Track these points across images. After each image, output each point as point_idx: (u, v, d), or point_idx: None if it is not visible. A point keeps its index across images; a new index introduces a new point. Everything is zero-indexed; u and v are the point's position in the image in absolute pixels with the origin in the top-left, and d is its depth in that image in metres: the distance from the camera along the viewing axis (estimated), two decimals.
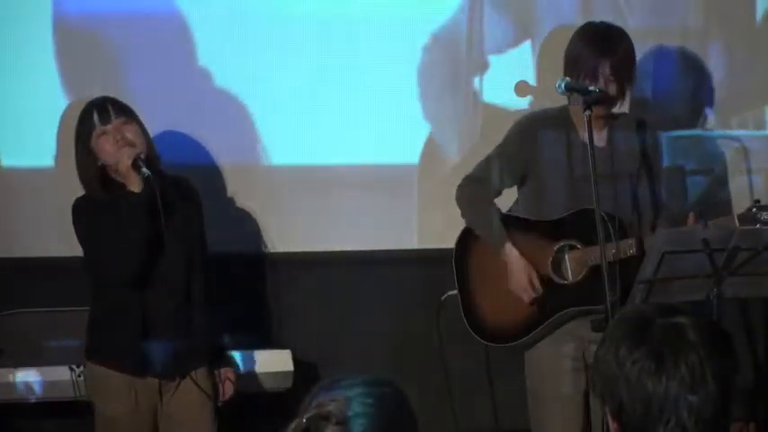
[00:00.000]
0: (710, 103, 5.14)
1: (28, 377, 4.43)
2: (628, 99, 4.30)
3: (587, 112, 3.94)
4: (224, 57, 4.78)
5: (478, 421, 4.91)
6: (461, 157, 4.84)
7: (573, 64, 4.14)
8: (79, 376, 4.35)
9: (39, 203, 4.66)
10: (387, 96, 4.87)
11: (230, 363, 4.24)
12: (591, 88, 4.00)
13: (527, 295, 4.14)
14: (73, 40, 4.68)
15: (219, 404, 4.13)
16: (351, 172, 4.90)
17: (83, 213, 3.99)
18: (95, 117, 3.94)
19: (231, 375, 4.18)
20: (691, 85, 5.14)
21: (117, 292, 3.97)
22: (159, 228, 3.89)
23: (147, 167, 3.90)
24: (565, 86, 4.00)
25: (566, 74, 4.14)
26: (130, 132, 3.94)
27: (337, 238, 4.90)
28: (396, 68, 4.87)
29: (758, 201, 4.08)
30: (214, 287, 4.15)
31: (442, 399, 4.73)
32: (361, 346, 4.86)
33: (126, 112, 3.99)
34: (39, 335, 4.50)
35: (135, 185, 3.89)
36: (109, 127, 3.93)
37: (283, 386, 4.57)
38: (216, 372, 4.15)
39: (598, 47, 4.12)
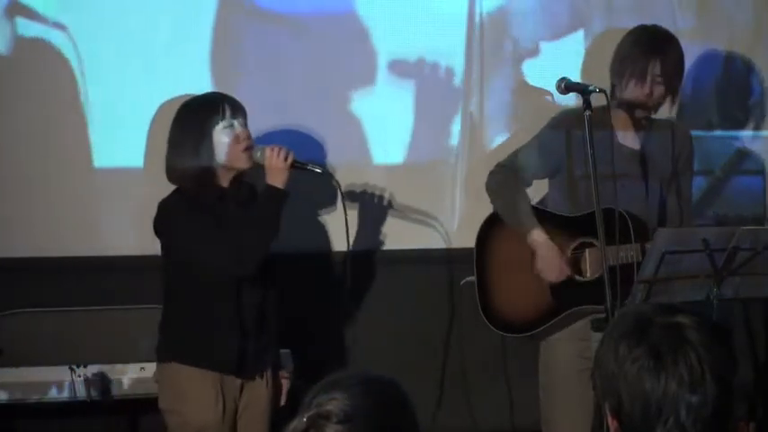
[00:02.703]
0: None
1: (28, 377, 4.43)
2: (676, 104, 4.31)
3: (587, 112, 3.94)
4: (228, 54, 4.78)
5: (496, 419, 4.92)
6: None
7: (620, 64, 4.17)
8: (79, 376, 4.35)
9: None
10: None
11: (284, 364, 4.21)
12: (591, 87, 4.00)
13: (557, 275, 4.14)
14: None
15: (282, 404, 4.11)
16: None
17: (182, 212, 3.90)
18: (228, 107, 3.92)
19: (287, 375, 4.16)
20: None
21: (215, 293, 3.90)
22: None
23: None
24: (565, 86, 4.00)
25: (612, 74, 4.16)
26: (250, 136, 3.97)
27: (344, 238, 4.90)
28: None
29: None
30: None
31: (458, 396, 4.74)
32: (364, 346, 4.87)
33: (246, 116, 3.99)
34: (39, 335, 4.50)
35: (280, 181, 3.91)
36: (236, 123, 3.92)
37: None
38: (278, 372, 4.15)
39: (648, 47, 4.14)
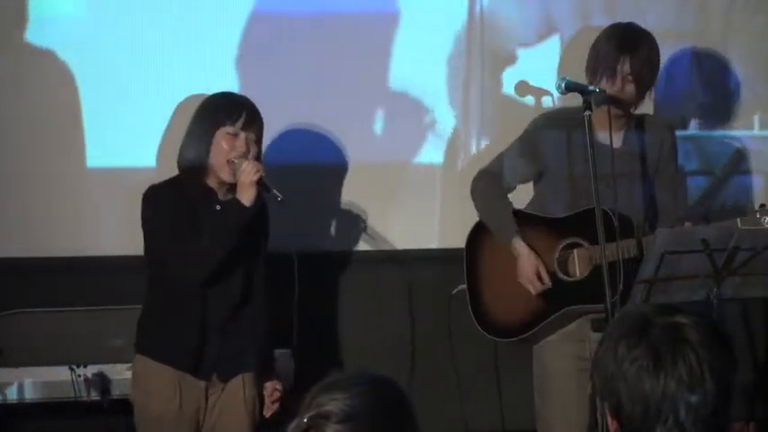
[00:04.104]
0: (725, 105, 5.14)
1: (28, 377, 4.43)
2: (650, 101, 4.31)
3: (587, 112, 3.94)
4: (233, 56, 4.78)
5: (487, 420, 4.91)
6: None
7: (593, 63, 4.17)
8: (79, 376, 4.35)
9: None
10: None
11: (278, 375, 4.19)
12: (591, 88, 4.00)
13: (534, 287, 4.15)
14: None
15: (267, 416, 4.10)
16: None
17: (161, 203, 3.96)
18: (243, 117, 3.92)
19: (279, 387, 4.13)
20: (705, 87, 5.13)
21: (180, 291, 3.95)
22: (248, 241, 3.95)
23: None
24: (565, 86, 4.00)
25: (587, 73, 4.16)
26: (253, 151, 3.95)
27: (343, 238, 4.90)
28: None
29: (763, 205, 4.08)
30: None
31: (451, 397, 4.74)
32: (364, 346, 4.86)
33: (261, 132, 3.99)
34: (39, 335, 4.50)
35: (247, 198, 3.88)
36: (243, 135, 3.92)
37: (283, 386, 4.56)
38: (266, 384, 4.12)
39: (618, 44, 4.14)
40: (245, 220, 3.89)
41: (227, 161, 3.90)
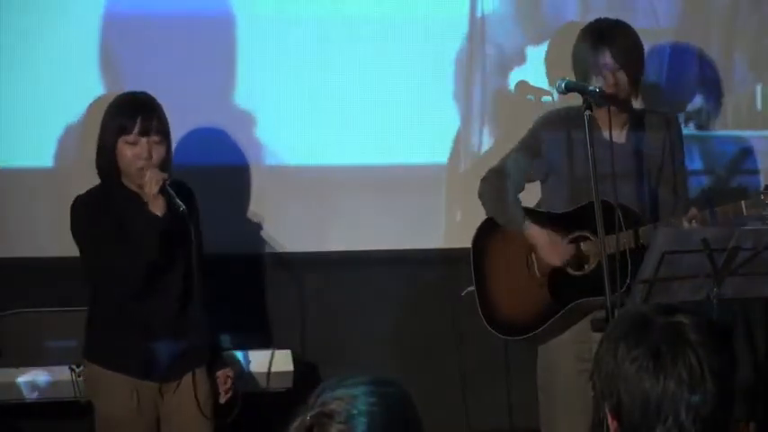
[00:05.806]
0: (728, 104, 5.14)
1: (28, 377, 4.43)
2: (638, 94, 4.31)
3: (587, 112, 3.94)
4: (229, 57, 4.78)
5: (492, 419, 4.92)
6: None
7: (578, 64, 4.19)
8: (79, 376, 4.35)
9: (36, 204, 4.66)
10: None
11: (227, 363, 4.25)
12: (591, 88, 4.00)
13: (560, 259, 4.17)
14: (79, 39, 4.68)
15: (222, 402, 4.15)
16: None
17: (86, 216, 3.97)
18: (138, 123, 3.90)
19: (231, 374, 4.18)
20: (707, 86, 5.14)
21: (121, 299, 3.96)
22: (174, 249, 3.94)
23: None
24: (565, 86, 4.00)
25: (575, 75, 4.17)
26: (158, 154, 3.92)
27: (344, 239, 4.89)
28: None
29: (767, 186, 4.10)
30: (215, 287, 4.16)
31: (455, 397, 4.74)
32: (364, 347, 4.86)
33: (164, 131, 3.96)
34: (39, 335, 4.50)
35: (157, 208, 3.87)
36: (143, 141, 3.90)
37: (283, 386, 4.57)
38: (218, 373, 4.16)
39: (595, 39, 4.17)
40: (157, 230, 3.88)
41: (137, 169, 3.90)
